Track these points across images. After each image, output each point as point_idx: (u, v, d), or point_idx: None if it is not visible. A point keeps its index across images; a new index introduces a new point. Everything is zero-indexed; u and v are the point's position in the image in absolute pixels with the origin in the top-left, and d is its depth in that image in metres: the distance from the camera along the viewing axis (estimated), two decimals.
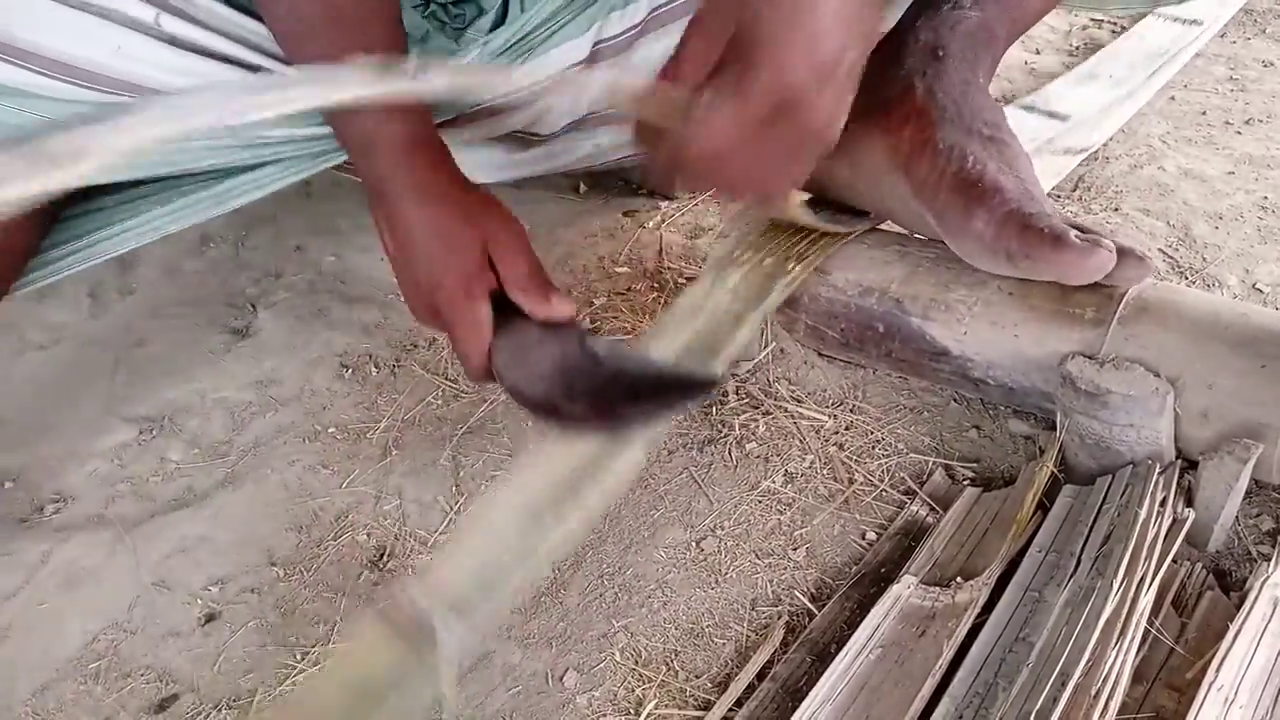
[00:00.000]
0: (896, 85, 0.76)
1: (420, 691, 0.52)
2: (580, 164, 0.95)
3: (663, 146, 0.57)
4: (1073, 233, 0.68)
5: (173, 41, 0.67)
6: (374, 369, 0.91)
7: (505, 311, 0.66)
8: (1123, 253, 0.68)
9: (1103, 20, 1.43)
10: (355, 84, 0.44)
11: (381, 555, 0.74)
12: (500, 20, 0.75)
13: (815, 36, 0.51)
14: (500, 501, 0.61)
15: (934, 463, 0.77)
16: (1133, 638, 0.56)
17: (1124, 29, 1.39)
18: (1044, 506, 0.69)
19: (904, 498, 0.74)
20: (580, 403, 0.62)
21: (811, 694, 0.59)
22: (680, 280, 0.97)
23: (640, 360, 0.67)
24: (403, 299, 0.71)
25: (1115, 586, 0.58)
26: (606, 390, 0.62)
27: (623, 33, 0.76)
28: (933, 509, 0.73)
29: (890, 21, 0.82)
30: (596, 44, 0.75)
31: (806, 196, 0.84)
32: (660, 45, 0.77)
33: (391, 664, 0.53)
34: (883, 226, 0.85)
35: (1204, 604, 0.63)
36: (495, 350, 0.66)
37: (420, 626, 0.53)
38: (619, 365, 0.64)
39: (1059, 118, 1.09)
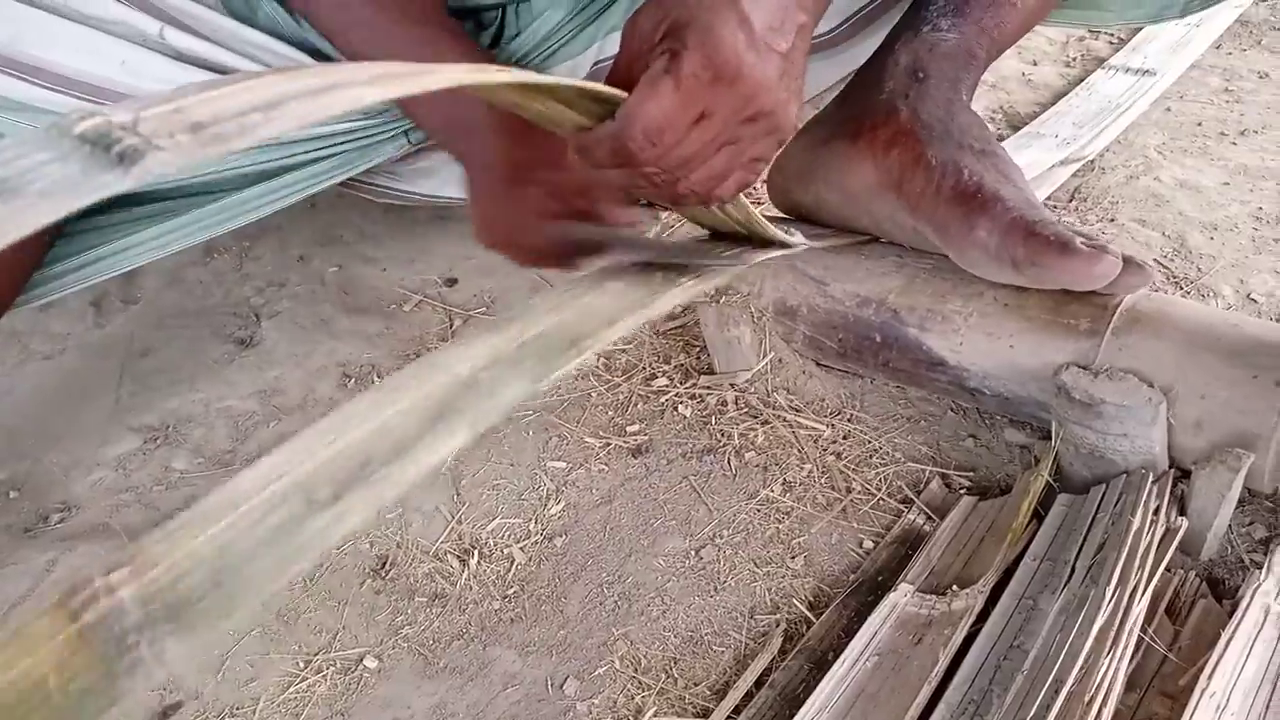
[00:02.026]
0: (880, 108, 0.77)
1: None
2: None
3: (601, 145, 0.53)
4: (1079, 239, 0.68)
5: (177, 55, 0.68)
6: (377, 379, 0.92)
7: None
8: (1125, 260, 0.69)
9: (1099, 31, 1.44)
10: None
11: (384, 564, 0.75)
12: (499, 35, 0.76)
13: (738, 18, 0.50)
14: (259, 471, 0.45)
15: (931, 472, 0.77)
16: (1126, 645, 0.56)
17: (1122, 40, 1.41)
18: (1039, 515, 0.70)
19: (901, 506, 0.75)
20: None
21: (809, 701, 0.59)
22: None
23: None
24: (489, 225, 0.69)
25: (1109, 594, 0.58)
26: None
27: None
28: (929, 517, 0.73)
29: (863, 56, 0.83)
30: (597, 63, 0.76)
31: (793, 223, 0.84)
32: None
33: (69, 675, 0.36)
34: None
35: (1197, 612, 0.63)
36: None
37: (116, 639, 0.38)
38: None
39: None
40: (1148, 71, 1.29)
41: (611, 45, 0.77)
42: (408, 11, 0.66)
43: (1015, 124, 1.24)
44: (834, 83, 0.90)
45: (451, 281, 1.04)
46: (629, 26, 0.54)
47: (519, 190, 0.65)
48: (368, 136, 0.74)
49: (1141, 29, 1.39)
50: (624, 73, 0.53)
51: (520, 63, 0.74)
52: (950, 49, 0.78)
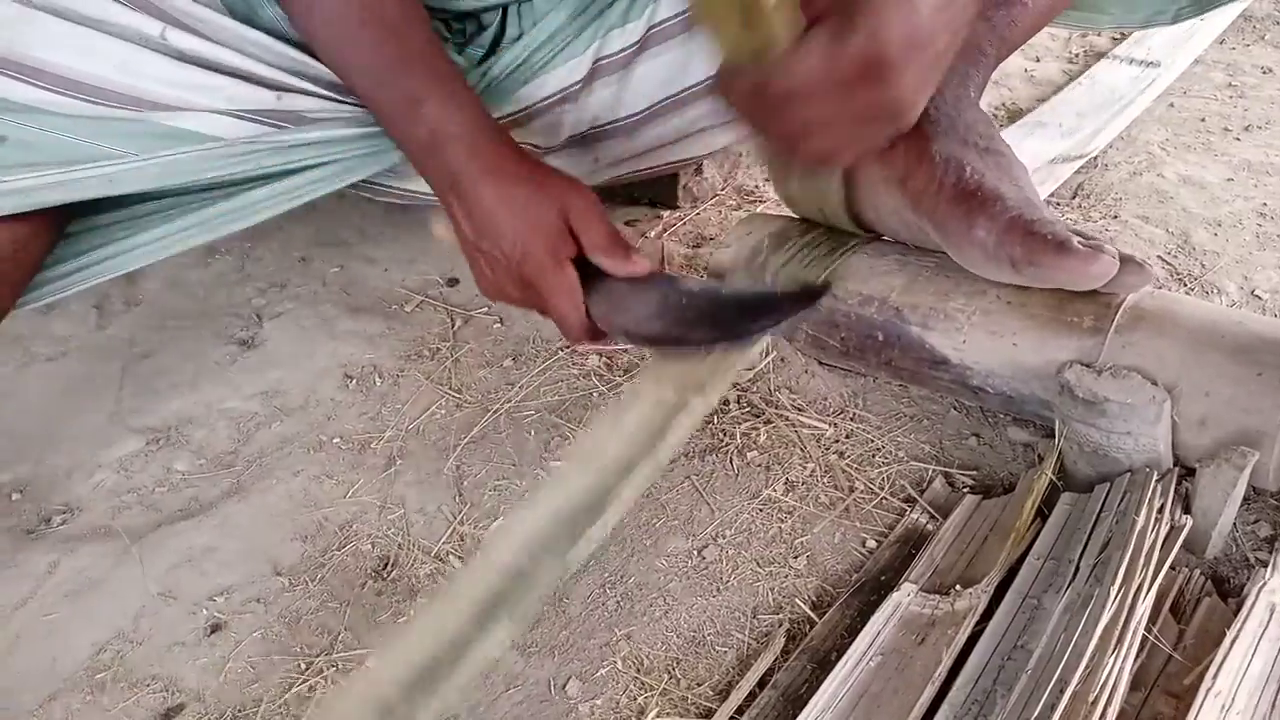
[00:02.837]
0: None
1: None
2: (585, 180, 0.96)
3: (747, 78, 0.58)
4: (1076, 239, 0.68)
5: (179, 56, 0.68)
6: (378, 379, 0.92)
7: (586, 274, 0.69)
8: (1123, 260, 0.69)
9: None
10: None
11: (386, 565, 0.75)
12: (499, 35, 0.76)
13: (914, 8, 0.52)
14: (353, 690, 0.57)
15: (934, 470, 0.77)
16: (1130, 644, 0.56)
17: (1123, 36, 1.40)
18: (1043, 514, 0.70)
19: (904, 505, 0.75)
20: (702, 329, 0.65)
21: (812, 701, 0.59)
22: None
23: (738, 287, 0.71)
24: (481, 283, 0.72)
25: (1113, 593, 0.58)
26: (722, 314, 0.65)
27: (621, 50, 0.77)
28: (933, 517, 0.73)
29: None
30: (596, 61, 0.76)
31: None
32: (660, 61, 0.78)
33: None
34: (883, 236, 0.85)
35: (1201, 610, 0.63)
36: (591, 306, 0.69)
37: None
38: (722, 293, 0.68)
39: None
40: (1151, 63, 1.28)
41: (611, 44, 0.77)
42: (406, 63, 0.66)
43: (1017, 120, 1.23)
44: None
45: (453, 281, 1.04)
46: None
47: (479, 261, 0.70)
48: (370, 143, 0.74)
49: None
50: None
51: (524, 66, 0.74)
52: (961, 47, 0.78)
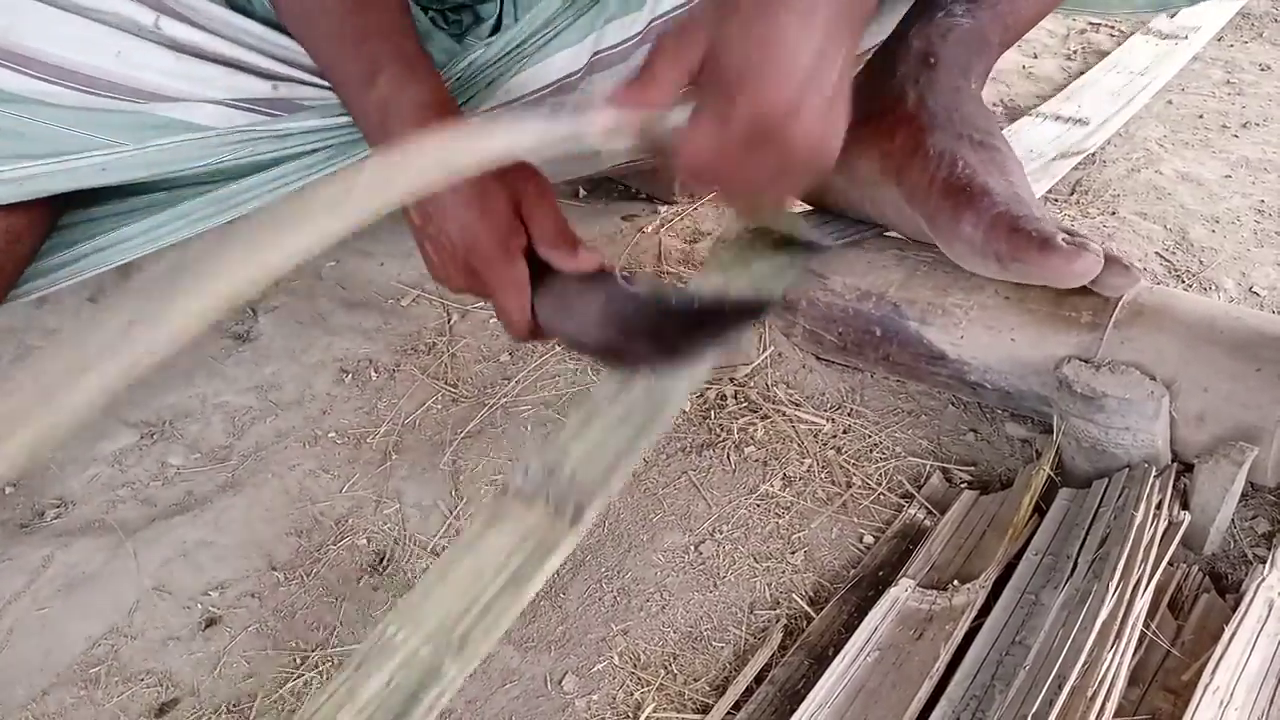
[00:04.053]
0: (889, 92, 0.77)
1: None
2: (577, 172, 0.95)
3: (655, 159, 0.57)
4: (1060, 236, 0.68)
5: (174, 45, 0.67)
6: (374, 374, 0.92)
7: (536, 268, 0.66)
8: (1110, 260, 0.69)
9: (1100, 24, 1.43)
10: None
11: (381, 560, 0.74)
12: (498, 27, 0.76)
13: (789, 63, 0.51)
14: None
15: (931, 466, 0.77)
16: (1129, 640, 0.56)
17: (1123, 34, 1.40)
18: (1041, 509, 0.70)
19: (901, 501, 0.75)
20: (642, 341, 0.62)
21: (809, 697, 0.59)
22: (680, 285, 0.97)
23: (686, 294, 0.67)
24: (429, 270, 0.68)
25: (1111, 589, 0.58)
26: (664, 327, 0.63)
27: (621, 42, 0.76)
28: (930, 512, 0.73)
29: (884, 31, 0.83)
30: (595, 53, 0.76)
31: (804, 209, 0.85)
32: None
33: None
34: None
35: (1200, 606, 0.63)
36: (537, 305, 0.65)
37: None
38: (668, 302, 0.64)
39: None
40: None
41: (609, 35, 0.76)
42: (367, 35, 0.65)
43: (1015, 117, 1.23)
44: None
45: None
46: (667, 38, 0.56)
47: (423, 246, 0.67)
48: (358, 130, 0.73)
49: (1139, 22, 1.38)
50: (657, 75, 0.55)
51: (517, 50, 0.74)
52: (963, 35, 0.78)
